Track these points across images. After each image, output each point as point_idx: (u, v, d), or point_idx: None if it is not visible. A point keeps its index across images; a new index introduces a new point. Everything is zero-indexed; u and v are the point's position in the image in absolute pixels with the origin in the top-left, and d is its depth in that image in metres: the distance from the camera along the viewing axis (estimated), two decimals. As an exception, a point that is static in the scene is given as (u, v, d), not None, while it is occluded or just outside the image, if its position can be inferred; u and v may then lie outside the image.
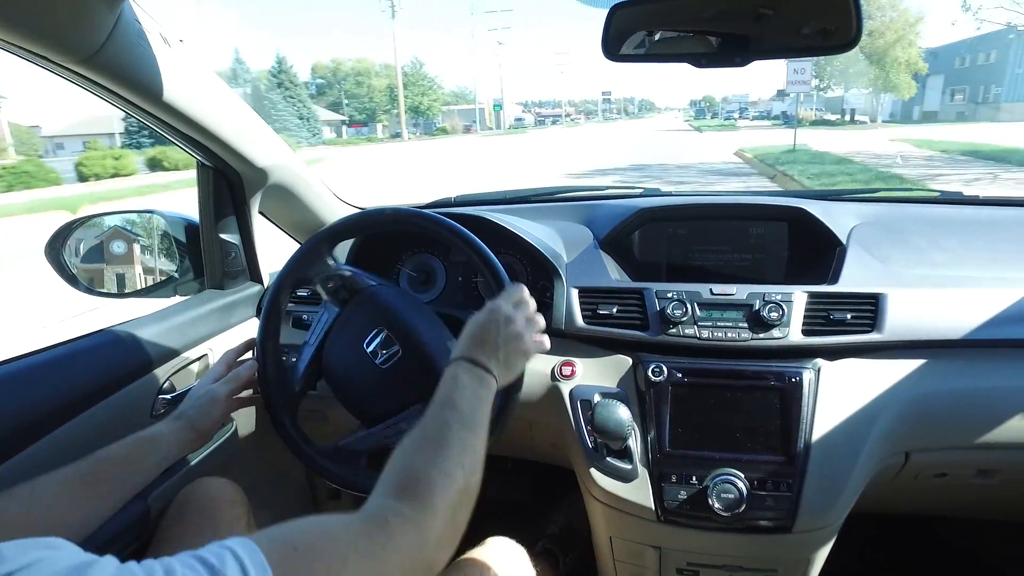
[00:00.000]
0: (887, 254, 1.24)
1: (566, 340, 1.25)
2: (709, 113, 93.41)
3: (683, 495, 1.08)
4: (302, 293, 1.44)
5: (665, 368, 1.12)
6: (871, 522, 1.30)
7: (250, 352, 1.13)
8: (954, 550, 1.81)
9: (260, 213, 1.43)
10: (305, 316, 1.36)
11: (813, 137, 21.14)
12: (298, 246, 1.11)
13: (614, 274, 1.31)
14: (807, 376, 1.09)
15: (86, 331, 1.11)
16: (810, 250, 1.31)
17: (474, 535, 1.18)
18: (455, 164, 20.90)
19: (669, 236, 1.40)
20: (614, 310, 1.21)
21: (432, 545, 0.61)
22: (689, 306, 1.16)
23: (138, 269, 1.37)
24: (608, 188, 1.70)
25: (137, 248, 1.37)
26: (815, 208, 1.31)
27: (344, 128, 55.02)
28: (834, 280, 1.18)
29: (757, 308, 1.13)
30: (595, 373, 1.20)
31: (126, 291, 1.37)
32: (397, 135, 49.25)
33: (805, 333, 1.12)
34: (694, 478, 1.08)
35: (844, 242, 1.26)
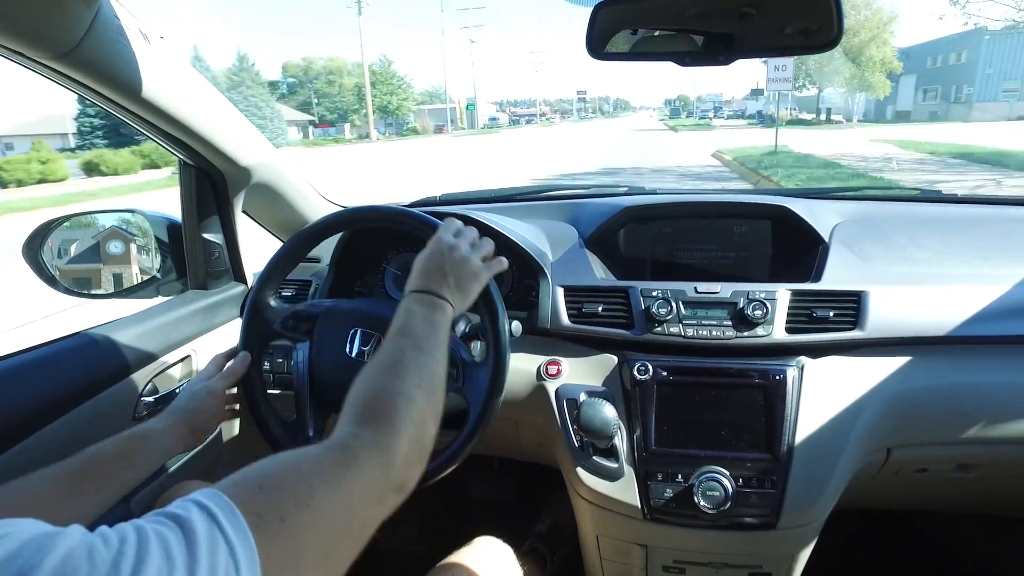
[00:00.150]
0: (869, 252, 1.24)
1: (552, 339, 1.24)
2: (684, 112, 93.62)
3: (669, 493, 1.07)
4: (286, 293, 1.43)
5: (650, 366, 1.12)
6: (854, 517, 1.30)
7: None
8: (934, 544, 1.82)
9: (244, 212, 1.41)
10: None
11: (791, 137, 20.83)
12: (281, 244, 1.10)
13: (599, 273, 1.30)
14: (791, 374, 1.08)
15: (58, 333, 1.08)
16: (793, 248, 1.31)
17: (461, 535, 1.17)
18: (416, 167, 20.10)
19: (654, 234, 1.39)
20: (599, 309, 1.20)
21: (398, 465, 0.61)
22: (674, 304, 1.15)
23: (119, 269, 1.35)
24: (593, 187, 1.69)
25: (111, 242, 1.34)
26: (798, 206, 1.31)
27: (311, 129, 53.42)
28: (817, 278, 1.18)
29: (741, 306, 1.13)
30: (581, 372, 1.19)
31: (107, 292, 1.35)
32: (365, 136, 47.98)
33: (789, 331, 1.12)
34: (680, 476, 1.07)
35: (827, 240, 1.26)
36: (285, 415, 1.04)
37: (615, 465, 1.09)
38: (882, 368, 1.10)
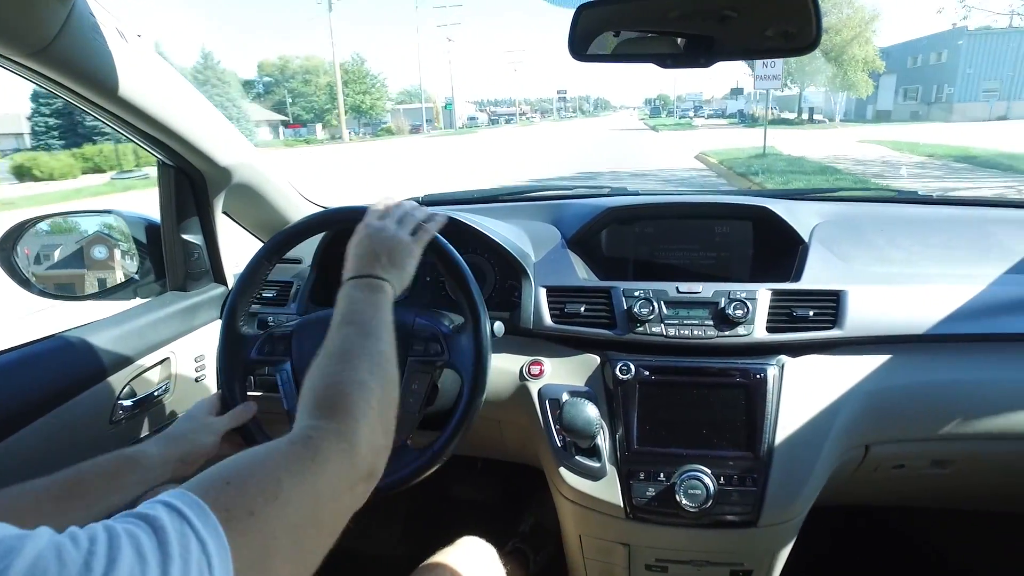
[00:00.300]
0: (847, 252, 1.26)
1: (534, 339, 1.25)
2: (664, 111, 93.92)
3: (651, 492, 1.08)
4: (267, 295, 1.42)
5: (633, 366, 1.13)
6: (833, 514, 1.33)
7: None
8: (912, 539, 1.86)
9: (224, 213, 1.40)
10: (270, 319, 1.34)
11: (775, 137, 20.00)
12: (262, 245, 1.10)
13: (582, 273, 1.31)
14: (771, 372, 1.10)
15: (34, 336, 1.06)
16: (774, 248, 1.33)
17: (445, 536, 1.18)
18: (383, 169, 19.22)
19: (636, 235, 1.41)
20: (582, 309, 1.22)
21: (363, 453, 0.61)
22: (656, 304, 1.17)
23: (104, 274, 1.34)
24: (576, 187, 1.71)
25: (96, 249, 1.33)
26: (778, 207, 1.33)
27: (281, 129, 51.95)
28: (797, 278, 1.21)
29: (723, 306, 1.15)
30: (563, 372, 1.20)
31: (83, 293, 1.33)
32: (339, 136, 46.94)
33: (769, 330, 1.14)
34: (662, 475, 1.08)
35: (806, 240, 1.28)
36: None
37: (597, 464, 1.10)
38: (860, 366, 1.13)
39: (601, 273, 1.37)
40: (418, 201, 1.65)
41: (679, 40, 1.04)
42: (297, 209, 1.55)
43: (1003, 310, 1.13)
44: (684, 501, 1.04)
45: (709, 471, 1.06)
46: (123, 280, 1.34)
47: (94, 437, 1.09)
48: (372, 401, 0.67)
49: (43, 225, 1.32)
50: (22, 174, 19.89)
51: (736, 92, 65.40)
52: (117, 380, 1.12)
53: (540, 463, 1.23)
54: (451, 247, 1.03)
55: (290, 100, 54.77)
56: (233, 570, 0.43)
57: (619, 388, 1.13)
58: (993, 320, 1.13)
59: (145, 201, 1.45)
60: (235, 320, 1.07)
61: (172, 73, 1.11)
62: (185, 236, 1.32)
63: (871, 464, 1.17)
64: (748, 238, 1.36)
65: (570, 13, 1.01)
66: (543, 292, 1.25)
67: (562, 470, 1.13)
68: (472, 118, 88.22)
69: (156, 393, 1.22)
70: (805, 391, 1.11)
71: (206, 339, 1.35)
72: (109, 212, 1.37)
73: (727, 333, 1.14)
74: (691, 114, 73.67)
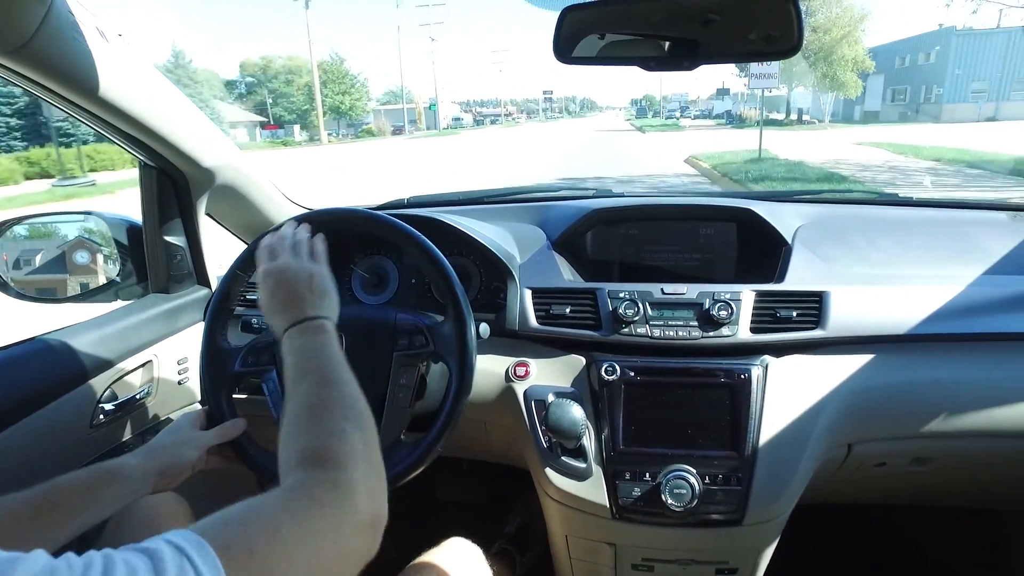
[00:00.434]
0: (830, 253, 1.29)
1: (520, 341, 1.26)
2: (650, 112, 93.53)
3: (637, 492, 1.10)
4: (252, 297, 1.44)
5: (618, 367, 1.15)
6: (817, 512, 1.37)
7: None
8: (894, 537, 1.91)
9: (207, 214, 1.41)
10: (254, 320, 1.34)
11: (766, 139, 18.49)
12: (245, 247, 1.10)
13: (567, 274, 1.33)
14: (755, 373, 1.13)
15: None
16: (757, 250, 1.36)
17: (431, 537, 1.20)
18: (353, 173, 17.95)
19: (621, 237, 1.43)
20: (567, 310, 1.23)
21: (360, 497, 0.61)
22: (641, 306, 1.19)
23: (87, 279, 1.34)
24: (561, 189, 1.73)
25: (78, 253, 1.33)
26: (762, 209, 1.36)
27: (258, 130, 50.20)
28: (780, 279, 1.23)
29: (707, 307, 1.17)
30: (549, 373, 1.22)
31: (63, 296, 1.34)
32: (318, 138, 45.64)
33: (753, 331, 1.16)
34: (647, 475, 1.10)
35: (789, 242, 1.31)
36: (272, 447, 1.05)
37: (583, 465, 1.12)
38: (843, 366, 1.15)
39: (586, 274, 1.39)
40: (403, 203, 1.67)
41: (664, 43, 1.06)
42: (281, 210, 1.56)
43: (981, 310, 1.17)
44: (670, 501, 1.06)
45: (694, 471, 1.08)
46: (104, 283, 1.34)
47: (74, 441, 1.09)
48: (356, 446, 0.66)
49: (20, 228, 1.32)
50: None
51: (722, 93, 65.54)
52: (98, 383, 1.12)
53: (526, 464, 1.25)
54: (436, 248, 1.04)
55: (271, 101, 53.86)
56: None
57: (604, 389, 1.15)
58: (972, 320, 1.16)
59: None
60: (215, 335, 1.07)
61: (154, 73, 1.11)
62: (167, 238, 1.32)
63: (854, 462, 1.20)
64: (732, 240, 1.39)
65: (555, 14, 1.02)
66: (528, 293, 1.27)
67: (548, 471, 1.14)
68: (457, 119, 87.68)
69: (138, 396, 1.22)
70: (789, 391, 1.13)
71: (189, 342, 1.35)
72: (89, 214, 1.37)
73: (711, 334, 1.16)
74: (677, 115, 72.99)
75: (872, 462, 1.22)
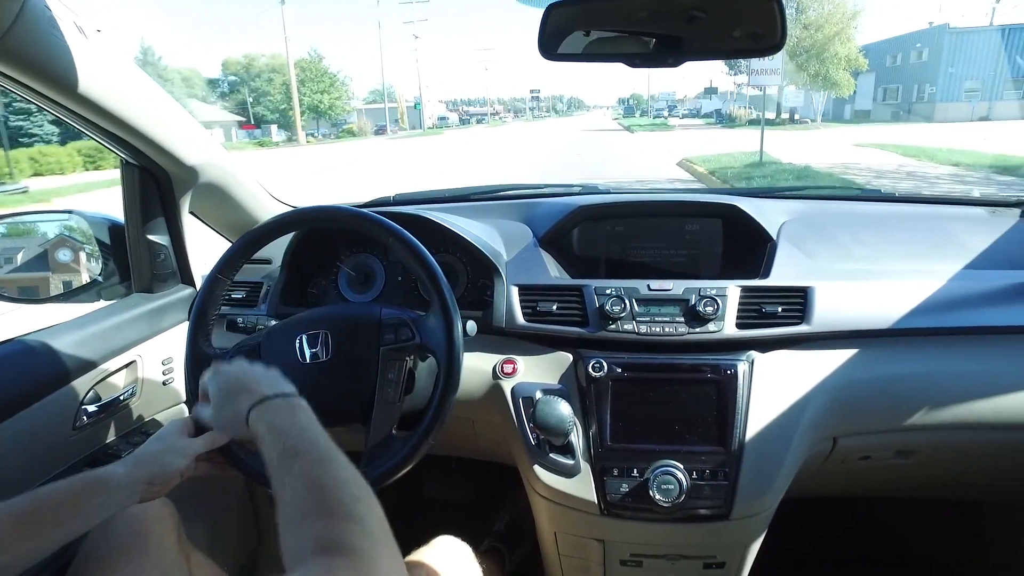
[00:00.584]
0: (814, 249, 1.32)
1: (507, 338, 1.28)
2: (638, 111, 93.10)
3: (625, 488, 1.12)
4: (237, 295, 1.45)
5: (605, 363, 1.17)
6: (803, 506, 1.41)
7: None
8: (878, 529, 1.96)
9: (191, 213, 1.42)
10: (240, 320, 1.35)
11: (755, 139, 18.54)
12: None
13: (553, 271, 1.35)
14: (741, 368, 1.15)
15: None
16: (743, 246, 1.39)
17: (420, 535, 1.21)
18: (319, 177, 16.88)
19: (607, 233, 1.45)
20: (554, 307, 1.25)
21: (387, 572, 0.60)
22: (627, 302, 1.21)
23: (69, 277, 1.34)
24: (547, 186, 1.75)
25: (60, 252, 1.34)
26: (747, 205, 1.38)
27: (234, 131, 48.98)
28: (765, 274, 1.26)
29: (693, 303, 1.19)
30: (536, 370, 1.24)
31: (44, 296, 1.34)
32: (293, 138, 44.54)
33: (739, 326, 1.19)
34: (635, 471, 1.12)
35: (774, 238, 1.34)
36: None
37: (571, 462, 1.14)
38: (827, 361, 1.18)
39: (573, 271, 1.41)
40: (389, 200, 1.70)
41: (649, 40, 1.07)
42: (266, 209, 1.57)
43: (961, 304, 1.20)
44: (657, 496, 1.08)
45: (682, 466, 1.11)
46: (87, 282, 1.35)
47: (57, 444, 1.10)
48: (373, 529, 0.64)
49: (4, 231, 1.34)
50: None
51: (710, 91, 65.50)
52: (81, 385, 1.13)
53: (514, 461, 1.27)
54: (421, 245, 1.06)
55: (251, 100, 53.38)
56: None
57: (592, 385, 1.17)
58: (952, 314, 1.19)
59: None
60: (199, 341, 1.08)
61: (135, 70, 1.12)
62: (151, 237, 1.33)
63: (839, 456, 1.23)
64: (718, 236, 1.42)
65: (541, 12, 1.04)
66: (515, 291, 1.29)
67: (536, 468, 1.16)
68: (442, 118, 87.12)
69: (122, 397, 1.23)
70: (774, 386, 1.16)
71: (174, 341, 1.36)
72: (70, 213, 1.37)
73: (698, 330, 1.19)
74: (665, 114, 71.99)
75: (857, 455, 1.25)
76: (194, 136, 1.30)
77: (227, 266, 1.09)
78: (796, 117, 38.56)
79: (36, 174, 19.82)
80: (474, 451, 1.51)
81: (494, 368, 1.25)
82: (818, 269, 1.27)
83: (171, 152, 1.25)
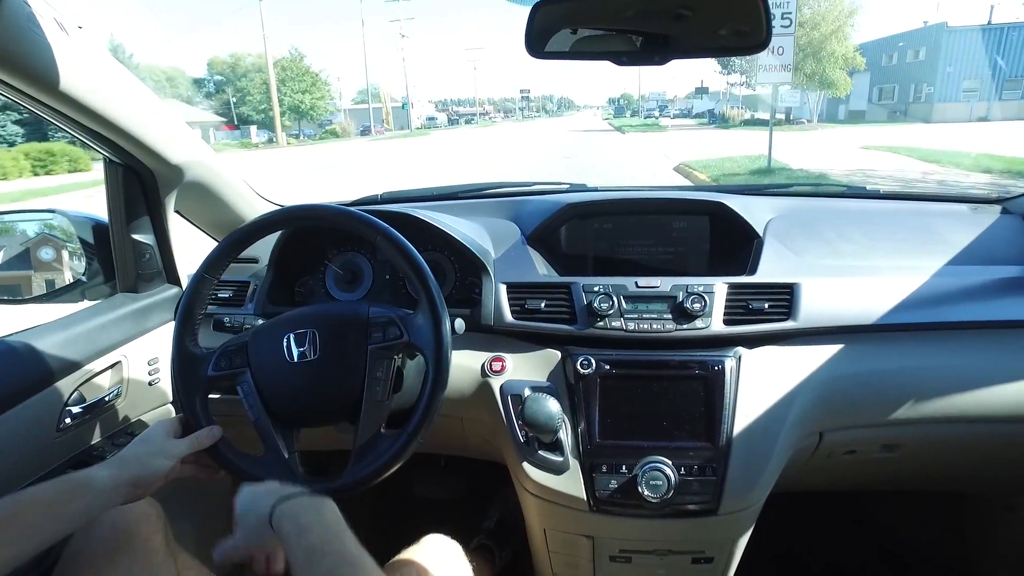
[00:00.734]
0: (800, 246, 1.35)
1: (495, 336, 1.30)
2: (628, 111, 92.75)
3: (614, 484, 1.15)
4: (224, 295, 1.46)
5: (593, 361, 1.20)
6: (790, 500, 1.45)
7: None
8: (863, 521, 2.03)
9: (176, 212, 1.42)
10: (227, 319, 1.35)
11: (752, 140, 18.17)
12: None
13: (542, 269, 1.38)
14: (729, 364, 1.18)
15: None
16: (730, 243, 1.42)
17: (409, 534, 1.22)
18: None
19: (595, 231, 1.47)
20: (542, 305, 1.28)
21: None
22: (615, 299, 1.24)
23: (52, 276, 1.35)
24: (535, 184, 1.78)
25: (43, 251, 1.34)
26: (734, 202, 1.41)
27: (213, 131, 47.55)
28: (752, 271, 1.29)
29: (681, 300, 1.22)
30: (525, 368, 1.26)
31: (27, 296, 1.34)
32: (273, 140, 43.17)
33: (726, 323, 1.21)
34: (624, 467, 1.15)
35: (761, 235, 1.37)
36: (254, 452, 1.05)
37: (560, 459, 1.16)
38: (814, 356, 1.21)
39: (561, 269, 1.44)
40: (377, 199, 1.73)
41: (635, 38, 1.10)
42: (253, 207, 1.58)
43: (944, 300, 1.24)
44: (646, 492, 1.11)
45: (670, 462, 1.13)
46: (70, 281, 1.35)
47: (40, 446, 1.10)
48: None
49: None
50: None
51: (700, 91, 65.14)
52: (64, 386, 1.13)
53: (503, 459, 1.29)
54: (408, 244, 1.07)
55: (234, 100, 52.86)
56: None
57: (580, 382, 1.20)
58: (935, 310, 1.23)
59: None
60: (185, 341, 1.09)
61: (118, 67, 1.12)
62: (135, 236, 1.34)
63: (825, 451, 1.26)
64: (705, 233, 1.45)
65: (527, 11, 1.06)
66: (503, 288, 1.31)
67: (525, 465, 1.18)
68: (431, 118, 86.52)
69: (107, 398, 1.24)
70: (761, 382, 1.19)
71: (160, 342, 1.37)
72: (52, 212, 1.38)
73: (685, 326, 1.21)
74: (656, 114, 70.98)
75: (842, 450, 1.28)
76: (179, 134, 1.31)
77: (214, 265, 1.10)
78: (792, 118, 38.38)
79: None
80: (463, 449, 1.53)
81: (483, 366, 1.27)
82: (804, 265, 1.30)
83: (155, 150, 1.26)
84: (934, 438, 1.27)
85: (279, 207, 1.48)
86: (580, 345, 1.25)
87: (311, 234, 1.47)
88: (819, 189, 1.83)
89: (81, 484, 0.85)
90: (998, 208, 1.51)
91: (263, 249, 1.44)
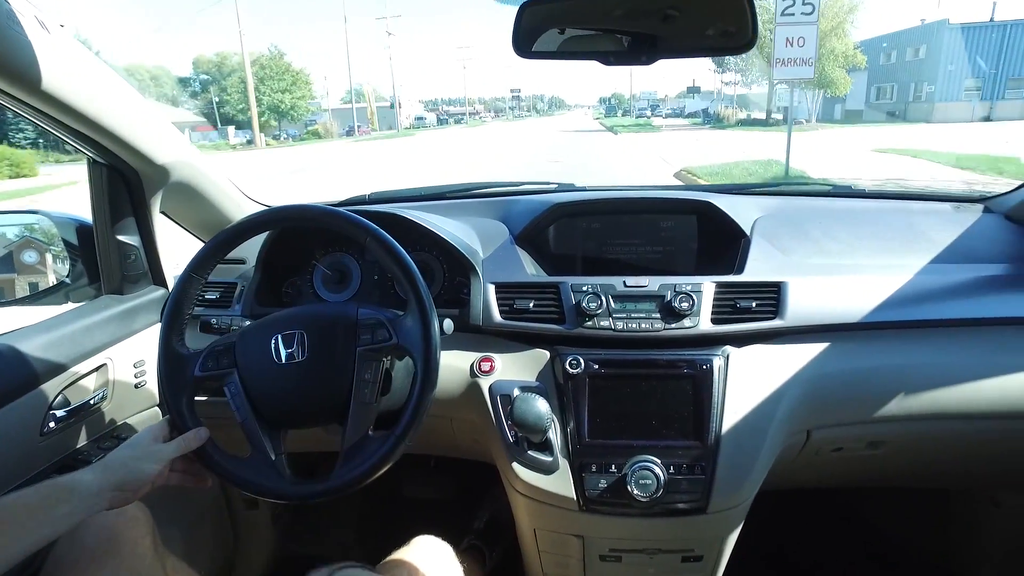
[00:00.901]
0: (787, 245, 1.38)
1: (484, 336, 1.32)
2: (619, 110, 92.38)
3: (603, 483, 1.17)
4: (211, 296, 1.47)
5: (582, 360, 1.22)
6: (778, 497, 1.49)
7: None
8: (851, 517, 2.08)
9: (162, 213, 1.44)
10: (214, 320, 1.37)
11: (752, 141, 18.11)
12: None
13: (530, 269, 1.40)
14: (717, 363, 1.21)
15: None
16: (717, 242, 1.44)
17: (399, 535, 1.24)
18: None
19: (583, 230, 1.50)
20: (531, 304, 1.30)
21: None
22: (604, 299, 1.26)
23: (36, 279, 1.36)
24: (523, 184, 1.80)
25: (26, 253, 1.36)
26: (721, 202, 1.44)
27: (188, 132, 45.43)
28: (739, 270, 1.32)
29: (669, 299, 1.25)
30: (514, 367, 1.28)
31: (10, 298, 1.35)
32: (252, 141, 42.83)
33: (714, 321, 1.24)
34: (613, 467, 1.17)
35: (748, 234, 1.40)
36: (241, 454, 1.06)
37: (550, 458, 1.19)
38: (801, 355, 1.24)
39: (549, 269, 1.46)
40: (365, 199, 1.76)
41: (623, 38, 1.12)
42: (239, 208, 1.60)
43: (928, 298, 1.27)
44: (635, 491, 1.13)
45: (659, 461, 1.16)
46: (54, 283, 1.36)
47: (24, 451, 1.11)
48: None
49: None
50: None
51: (692, 91, 64.97)
52: (49, 389, 1.14)
53: (493, 459, 1.31)
54: (397, 244, 1.09)
55: (217, 100, 52.30)
56: None
57: (569, 382, 1.22)
58: (920, 308, 1.27)
59: None
60: (172, 342, 1.09)
61: (101, 66, 1.13)
62: (120, 237, 1.35)
63: (812, 448, 1.29)
64: (692, 232, 1.47)
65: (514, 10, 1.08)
66: (492, 288, 1.34)
67: (515, 465, 1.20)
68: (420, 118, 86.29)
69: (92, 401, 1.25)
70: (749, 380, 1.21)
71: (146, 344, 1.38)
72: (34, 212, 1.39)
73: (673, 325, 1.24)
74: (648, 113, 70.70)
75: (830, 447, 1.31)
76: (164, 134, 1.32)
77: (201, 265, 1.11)
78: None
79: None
80: (452, 450, 1.54)
81: (471, 366, 1.30)
82: (791, 264, 1.33)
83: (140, 150, 1.27)
84: (919, 435, 1.30)
85: (267, 207, 1.50)
86: (569, 345, 1.27)
87: (299, 235, 1.49)
88: (805, 188, 1.87)
89: (66, 489, 0.85)
90: (980, 207, 1.56)
91: (250, 250, 1.46)
